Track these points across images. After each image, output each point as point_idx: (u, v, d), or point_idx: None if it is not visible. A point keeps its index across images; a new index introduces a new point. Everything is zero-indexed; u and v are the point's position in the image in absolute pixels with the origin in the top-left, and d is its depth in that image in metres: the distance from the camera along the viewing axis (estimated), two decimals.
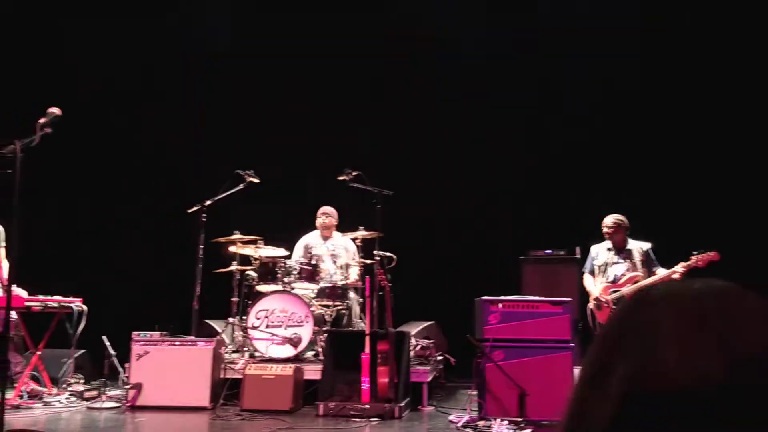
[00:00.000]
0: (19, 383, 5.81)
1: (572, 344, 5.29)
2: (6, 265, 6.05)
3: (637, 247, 6.64)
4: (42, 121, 3.32)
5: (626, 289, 6.44)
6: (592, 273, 6.73)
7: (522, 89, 8.33)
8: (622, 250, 6.63)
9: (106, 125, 8.15)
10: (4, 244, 6.12)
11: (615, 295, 6.47)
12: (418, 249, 7.71)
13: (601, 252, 6.71)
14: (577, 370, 5.22)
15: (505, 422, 4.53)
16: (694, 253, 6.22)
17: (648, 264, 6.58)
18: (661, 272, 6.48)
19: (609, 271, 6.59)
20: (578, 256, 7.15)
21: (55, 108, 3.39)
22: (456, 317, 6.64)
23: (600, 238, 6.79)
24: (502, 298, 5.33)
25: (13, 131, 3.19)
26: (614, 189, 7.69)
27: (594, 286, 6.66)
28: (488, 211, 8.14)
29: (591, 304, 6.64)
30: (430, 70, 8.48)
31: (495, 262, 7.46)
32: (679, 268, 6.30)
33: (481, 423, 4.59)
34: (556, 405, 5.07)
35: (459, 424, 4.68)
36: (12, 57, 7.93)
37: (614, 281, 6.55)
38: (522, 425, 4.69)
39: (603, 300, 6.52)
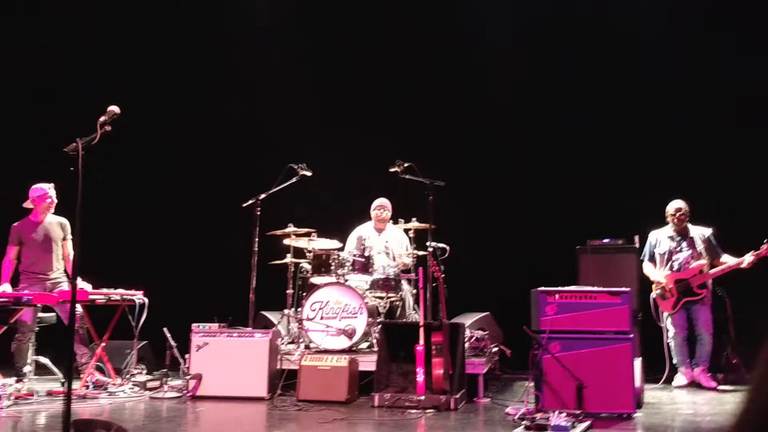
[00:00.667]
0: (85, 374, 6.01)
1: (632, 335, 5.17)
2: (72, 257, 6.27)
3: (699, 233, 6.45)
4: (102, 119, 3.40)
5: (693, 278, 6.28)
6: (652, 260, 6.57)
7: (572, 75, 8.17)
8: (684, 237, 6.45)
9: (162, 120, 8.32)
10: (70, 237, 6.33)
11: (680, 284, 6.31)
12: (473, 239, 7.65)
13: (662, 239, 6.54)
14: (637, 362, 5.13)
15: (563, 415, 4.44)
16: (766, 241, 6.01)
17: (711, 250, 6.39)
18: (728, 259, 6.28)
19: (673, 258, 6.42)
20: (637, 244, 6.98)
21: (115, 106, 3.48)
22: (511, 308, 6.56)
23: (659, 224, 6.62)
24: (559, 288, 5.24)
25: (75, 130, 3.29)
26: (674, 174, 7.46)
27: (657, 274, 6.49)
28: (544, 200, 8.01)
29: (654, 293, 6.49)
30: (481, 61, 8.38)
31: (551, 252, 7.34)
32: (749, 256, 6.11)
33: (538, 415, 4.51)
34: (615, 397, 4.98)
35: (516, 417, 4.62)
36: (69, 54, 8.18)
37: (679, 269, 6.38)
38: (580, 418, 4.61)
39: (668, 289, 6.37)
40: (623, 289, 5.27)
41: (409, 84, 8.39)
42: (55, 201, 6.27)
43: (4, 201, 6.55)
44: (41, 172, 6.19)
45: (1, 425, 4.72)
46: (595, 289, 5.32)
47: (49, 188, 6.25)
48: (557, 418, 4.38)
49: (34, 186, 6.27)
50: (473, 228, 7.89)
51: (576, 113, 8.07)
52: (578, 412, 4.78)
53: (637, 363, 5.26)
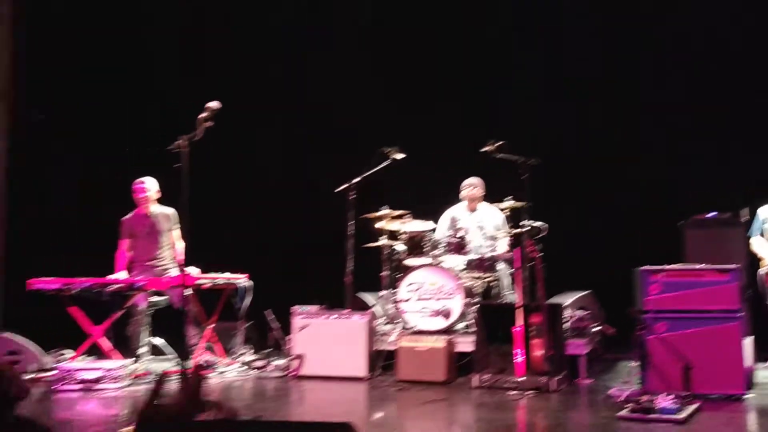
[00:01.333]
0: (196, 354, 6.33)
1: (741, 314, 4.94)
2: (181, 245, 6.59)
3: None
4: (203, 115, 3.54)
5: None
6: (760, 236, 6.23)
7: (673, 41, 7.78)
8: None
9: (258, 106, 8.53)
10: (177, 226, 6.65)
11: None
12: (571, 216, 7.46)
13: None
14: (747, 341, 4.90)
15: (670, 396, 4.31)
16: None
17: None
18: None
19: None
20: (745, 218, 6.61)
21: (214, 102, 3.60)
22: (613, 286, 6.39)
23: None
24: (664, 267, 5.06)
25: (179, 128, 3.44)
26: None
27: (765, 250, 6.16)
28: (645, 173, 7.70)
29: (763, 270, 6.17)
30: (571, 32, 8.12)
31: (653, 227, 7.08)
32: None
33: (643, 397, 4.39)
34: (724, 378, 4.79)
35: (620, 399, 4.52)
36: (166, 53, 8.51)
37: None
38: (688, 399, 4.46)
39: None
40: (731, 266, 5.03)
41: (501, 60, 8.24)
42: (151, 194, 6.54)
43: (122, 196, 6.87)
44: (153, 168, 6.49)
45: (122, 403, 5.05)
46: (702, 266, 5.10)
47: (143, 182, 6.54)
48: (664, 400, 4.26)
49: (135, 181, 6.59)
50: (571, 205, 7.68)
51: (679, 82, 7.70)
52: (685, 393, 4.63)
53: (747, 342, 5.03)
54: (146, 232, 6.55)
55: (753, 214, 6.35)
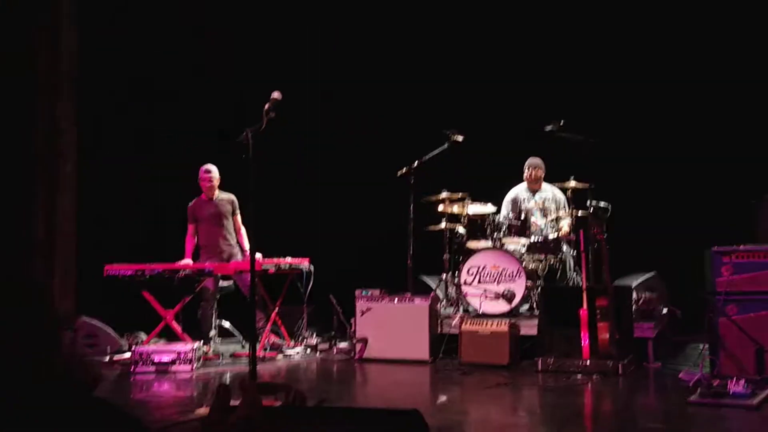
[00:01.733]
0: (263, 337, 6.49)
1: None
2: (244, 231, 6.74)
3: None
4: (267, 106, 3.60)
5: None
6: None
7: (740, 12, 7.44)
8: None
9: (325, 90, 8.60)
10: (239, 211, 6.80)
11: None
12: (636, 196, 7.27)
13: None
14: None
15: (742, 381, 4.19)
16: None
17: None
18: None
19: None
20: None
21: (277, 92, 3.66)
22: (681, 267, 6.23)
23: None
24: (736, 247, 4.90)
25: (244, 120, 3.51)
26: None
27: None
28: (714, 150, 7.42)
29: None
30: (635, 10, 7.85)
31: (723, 206, 6.84)
32: None
33: (715, 382, 4.29)
34: None
35: (690, 383, 4.42)
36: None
37: None
38: (761, 384, 4.32)
39: None
40: None
41: (562, 38, 8.05)
42: (216, 180, 6.69)
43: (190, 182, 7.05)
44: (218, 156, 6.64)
45: (195, 385, 5.23)
46: None
47: (210, 170, 6.68)
48: (736, 385, 4.14)
49: (201, 168, 6.75)
50: (636, 184, 7.49)
51: (748, 53, 7.37)
52: (759, 378, 4.50)
53: None
54: (210, 217, 6.72)
55: None
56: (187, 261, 6.59)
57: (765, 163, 6.98)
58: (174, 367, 5.67)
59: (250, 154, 3.37)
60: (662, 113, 7.67)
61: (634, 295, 5.86)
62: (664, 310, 6.24)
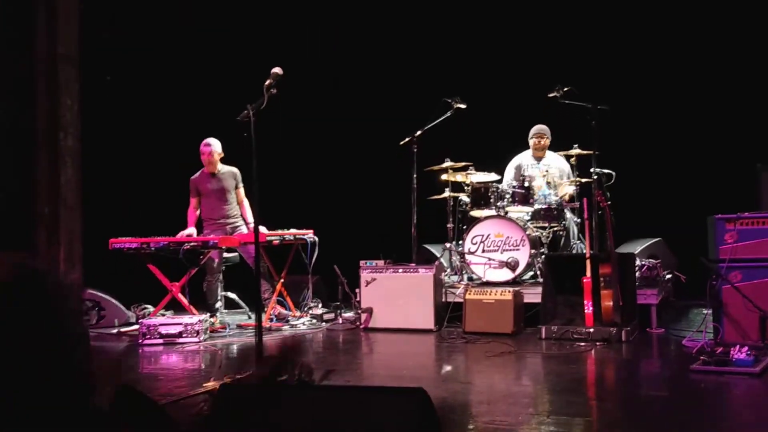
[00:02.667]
0: (269, 308, 6.54)
1: None
2: (247, 203, 6.75)
3: None
4: (267, 82, 3.57)
5: None
6: None
7: None
8: None
9: (324, 64, 8.51)
10: (242, 185, 6.80)
11: None
12: (640, 163, 7.24)
13: None
14: None
15: (745, 348, 4.21)
16: None
17: None
18: None
19: None
20: None
21: (278, 68, 3.62)
22: (685, 232, 6.23)
23: None
24: (740, 214, 4.88)
25: (246, 97, 3.48)
26: None
27: None
28: (718, 115, 7.36)
29: None
30: None
31: (727, 171, 6.81)
32: None
33: (718, 349, 4.31)
34: None
35: (693, 351, 4.45)
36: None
37: None
38: (765, 351, 4.35)
39: None
40: None
41: (566, 2, 7.93)
42: (217, 154, 6.65)
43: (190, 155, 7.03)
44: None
45: (203, 357, 5.29)
46: None
47: (210, 144, 6.65)
48: (739, 352, 4.16)
49: (202, 142, 6.72)
50: (640, 151, 7.45)
51: (748, 21, 7.25)
52: (762, 344, 4.52)
53: None
54: (213, 190, 6.72)
55: None
56: (191, 230, 6.61)
57: (761, 129, 6.93)
58: (181, 339, 5.73)
59: (252, 131, 3.34)
60: (666, 80, 7.59)
61: (638, 262, 5.87)
62: (668, 276, 6.25)
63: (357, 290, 6.38)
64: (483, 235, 6.42)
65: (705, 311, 5.08)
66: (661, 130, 7.56)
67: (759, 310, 4.67)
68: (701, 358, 4.22)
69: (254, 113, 3.34)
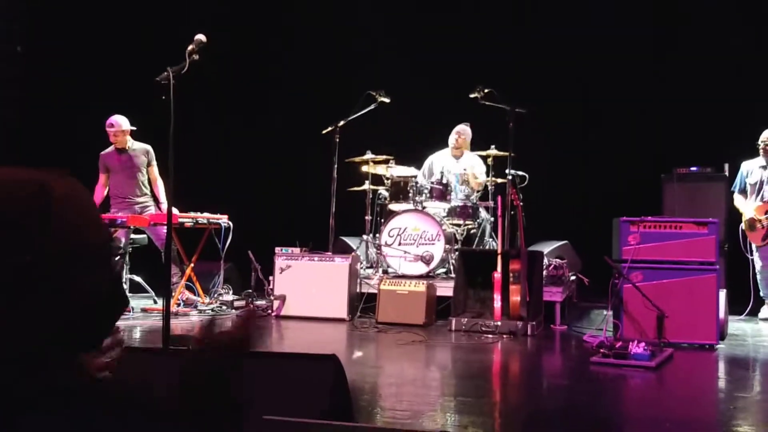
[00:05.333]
0: (176, 292, 6.35)
1: (717, 266, 5.04)
2: (161, 182, 6.53)
3: None
4: (190, 48, 3.47)
5: None
6: (743, 192, 6.32)
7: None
8: None
9: (252, 50, 8.37)
10: (155, 162, 6.56)
11: None
12: (552, 167, 7.50)
13: (753, 169, 6.26)
14: (722, 293, 5.01)
15: (642, 344, 4.42)
16: None
17: None
18: None
19: (765, 189, 6.15)
20: (727, 173, 6.71)
21: (202, 35, 3.54)
22: (591, 237, 6.49)
23: (751, 154, 6.32)
24: (644, 218, 5.13)
25: (166, 59, 3.37)
26: None
27: (746, 205, 6.26)
28: (628, 126, 7.71)
29: (743, 225, 6.27)
30: None
31: (634, 180, 7.14)
32: None
33: (617, 344, 4.50)
34: (697, 328, 4.91)
35: (594, 345, 4.63)
36: None
37: None
38: (660, 347, 4.58)
39: (757, 220, 6.14)
40: (710, 219, 5.12)
41: (491, 7, 8.12)
42: (123, 130, 6.38)
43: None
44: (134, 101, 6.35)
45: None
46: (681, 219, 5.18)
47: (113, 122, 6.38)
48: (637, 347, 4.36)
49: (106, 122, 6.44)
50: (553, 155, 7.71)
51: (667, 34, 7.65)
52: (658, 341, 4.75)
53: (722, 294, 5.15)
54: (123, 168, 6.45)
55: (736, 170, 6.42)
56: None
57: (673, 140, 7.32)
58: None
59: (171, 95, 3.24)
60: (581, 88, 7.88)
61: (546, 261, 6.06)
62: (573, 277, 6.49)
63: (271, 277, 6.29)
64: (400, 228, 6.47)
65: (606, 312, 5.30)
66: (575, 138, 7.84)
67: (657, 309, 4.91)
68: (601, 351, 4.40)
69: (174, 76, 3.24)
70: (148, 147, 6.54)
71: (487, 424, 3.00)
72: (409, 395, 3.37)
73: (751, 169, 6.29)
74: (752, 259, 6.28)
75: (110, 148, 6.52)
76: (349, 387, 2.12)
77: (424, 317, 5.61)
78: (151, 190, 6.61)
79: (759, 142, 6.19)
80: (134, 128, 6.45)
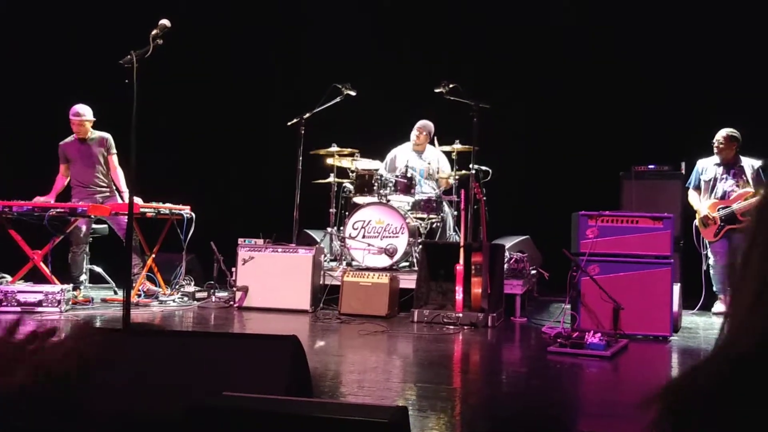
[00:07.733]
0: (137, 283, 6.29)
1: (672, 260, 5.19)
2: (120, 172, 6.46)
3: (749, 163, 6.34)
4: (154, 32, 3.46)
5: (736, 206, 6.19)
6: (697, 189, 6.50)
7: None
8: (732, 166, 6.34)
9: (216, 39, 8.31)
10: (114, 151, 6.48)
11: (724, 212, 6.24)
12: (515, 163, 7.61)
13: (708, 167, 6.44)
14: (676, 287, 5.16)
15: (598, 335, 4.53)
16: None
17: (758, 182, 6.27)
18: None
19: (717, 186, 6.34)
20: (683, 171, 6.90)
21: (166, 20, 3.52)
22: (551, 232, 6.61)
23: (707, 152, 6.50)
24: (601, 212, 5.26)
25: (130, 43, 3.35)
26: (726, 100, 7.20)
27: (700, 202, 6.44)
28: (589, 124, 7.87)
29: (696, 221, 6.45)
30: None
31: (593, 176, 7.29)
32: None
33: (574, 334, 4.61)
34: (652, 320, 5.05)
35: (551, 335, 4.73)
36: None
37: (723, 197, 6.31)
38: (616, 338, 4.70)
39: (710, 217, 6.31)
40: (666, 214, 5.26)
41: (458, 3, 8.20)
42: (86, 120, 6.32)
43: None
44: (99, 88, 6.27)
45: (62, 327, 5.01)
46: (637, 213, 5.32)
47: (74, 113, 6.31)
48: (593, 337, 4.47)
49: (70, 110, 6.36)
50: (516, 151, 7.84)
51: (628, 36, 7.82)
52: (614, 332, 4.87)
53: (676, 288, 5.30)
54: (82, 157, 6.38)
55: (692, 167, 6.59)
56: (46, 199, 6.21)
57: (632, 138, 7.49)
58: (41, 308, 5.40)
59: (134, 79, 3.23)
60: (543, 85, 8.02)
61: (507, 255, 6.16)
62: (533, 271, 6.60)
63: (233, 269, 6.27)
64: (364, 221, 6.50)
65: (564, 305, 5.41)
66: (538, 135, 7.98)
67: (613, 301, 5.03)
68: (558, 341, 4.50)
69: (137, 60, 3.22)
70: (107, 135, 6.47)
71: (447, 407, 3.06)
72: (370, 381, 3.41)
73: (705, 167, 6.46)
74: (705, 255, 6.46)
75: (70, 138, 6.44)
76: (310, 371, 2.15)
77: (386, 309, 5.66)
78: (112, 180, 6.53)
79: (714, 141, 6.37)
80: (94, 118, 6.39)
